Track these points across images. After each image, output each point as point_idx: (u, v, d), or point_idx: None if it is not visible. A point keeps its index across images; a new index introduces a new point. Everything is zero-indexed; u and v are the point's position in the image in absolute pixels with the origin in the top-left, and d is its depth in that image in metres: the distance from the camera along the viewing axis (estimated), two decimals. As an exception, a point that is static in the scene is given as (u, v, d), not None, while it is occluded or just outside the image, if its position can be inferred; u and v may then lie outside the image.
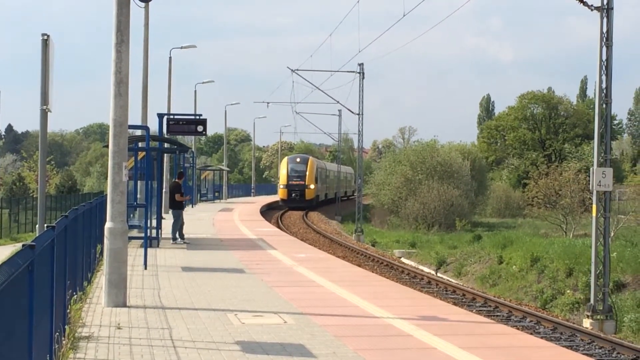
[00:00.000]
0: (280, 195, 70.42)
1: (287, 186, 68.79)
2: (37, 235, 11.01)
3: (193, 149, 56.29)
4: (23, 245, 6.42)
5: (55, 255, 8.58)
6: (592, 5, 21.78)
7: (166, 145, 25.68)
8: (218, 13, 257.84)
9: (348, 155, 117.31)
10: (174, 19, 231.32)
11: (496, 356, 9.90)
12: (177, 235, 24.27)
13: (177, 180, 25.94)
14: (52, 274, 8.34)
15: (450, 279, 32.01)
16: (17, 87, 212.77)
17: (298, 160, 71.67)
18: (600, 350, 17.15)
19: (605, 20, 21.67)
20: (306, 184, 68.59)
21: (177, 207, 24.28)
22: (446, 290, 25.25)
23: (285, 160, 73.17)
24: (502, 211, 69.68)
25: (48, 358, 7.84)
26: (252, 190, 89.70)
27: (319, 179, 72.10)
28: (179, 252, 21.75)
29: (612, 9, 21.71)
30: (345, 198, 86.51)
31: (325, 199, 76.76)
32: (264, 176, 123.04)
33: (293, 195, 68.21)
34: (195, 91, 58.40)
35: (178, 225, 24.29)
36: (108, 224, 12.96)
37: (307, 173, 68.88)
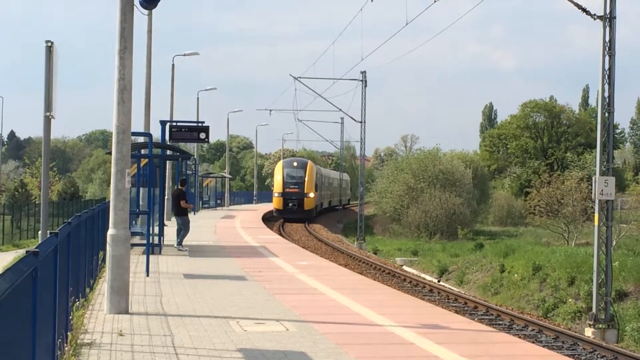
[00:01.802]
0: (274, 205, 60.08)
1: (283, 194, 58.77)
2: (39, 241, 11.03)
3: (195, 156, 56.27)
4: (27, 252, 6.43)
5: (58, 261, 8.59)
6: (594, 15, 21.81)
7: (169, 152, 25.71)
8: (221, 20, 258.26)
9: (350, 163, 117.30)
10: (176, 26, 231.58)
11: (498, 365, 9.89)
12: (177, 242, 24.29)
13: (180, 187, 25.98)
14: (55, 281, 8.35)
15: (452, 288, 31.98)
16: (19, 93, 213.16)
17: (295, 164, 61.33)
18: (602, 360, 17.15)
19: (607, 29, 21.70)
20: (305, 192, 59.06)
21: (183, 214, 24.29)
22: (448, 299, 25.24)
23: (280, 164, 62.49)
24: (504, 220, 69.70)
25: (50, 364, 7.85)
26: (254, 198, 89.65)
27: (319, 186, 63.29)
28: (181, 259, 21.76)
29: (615, 18, 21.75)
30: (341, 207, 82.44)
31: (321, 208, 69.10)
32: (266, 183, 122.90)
33: (290, 205, 58.60)
34: (197, 98, 58.48)
35: (186, 231, 24.30)
36: (110, 231, 12.97)
37: (306, 179, 59.47)
